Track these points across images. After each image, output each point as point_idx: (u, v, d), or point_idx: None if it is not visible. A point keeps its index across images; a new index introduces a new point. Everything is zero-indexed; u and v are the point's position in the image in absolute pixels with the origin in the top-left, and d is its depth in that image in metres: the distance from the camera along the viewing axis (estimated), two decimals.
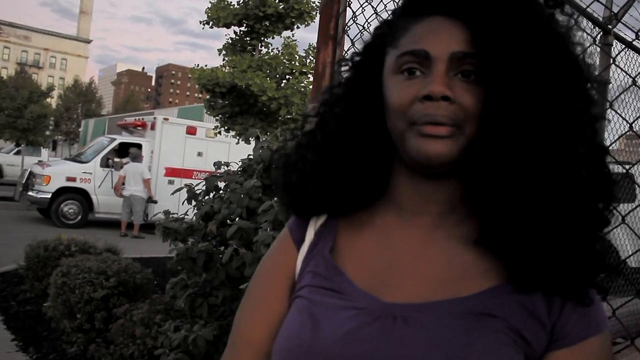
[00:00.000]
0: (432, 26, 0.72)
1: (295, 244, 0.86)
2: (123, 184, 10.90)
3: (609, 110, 1.39)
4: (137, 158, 11.17)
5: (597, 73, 0.74)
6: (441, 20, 0.71)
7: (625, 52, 3.13)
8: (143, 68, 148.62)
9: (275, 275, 0.86)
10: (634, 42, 2.74)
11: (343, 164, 0.80)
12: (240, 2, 12.09)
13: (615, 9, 3.01)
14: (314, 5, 11.75)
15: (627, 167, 1.46)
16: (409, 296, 0.72)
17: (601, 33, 2.86)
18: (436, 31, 0.71)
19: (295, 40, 12.21)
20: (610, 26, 2.85)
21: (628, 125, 1.22)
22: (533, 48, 0.67)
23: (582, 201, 0.67)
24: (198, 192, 3.80)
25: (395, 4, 1.89)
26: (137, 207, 10.87)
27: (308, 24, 12.05)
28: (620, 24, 2.90)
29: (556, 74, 0.67)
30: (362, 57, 0.83)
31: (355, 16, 1.91)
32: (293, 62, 12.00)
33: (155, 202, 10.66)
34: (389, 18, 0.81)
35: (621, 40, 2.87)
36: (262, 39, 12.27)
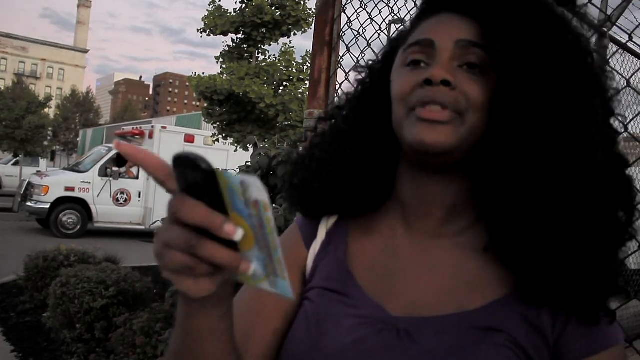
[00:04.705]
0: (439, 19, 0.73)
1: (304, 241, 0.84)
2: None
3: None
4: None
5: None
6: (450, 16, 0.72)
7: (621, 55, 3.14)
8: (141, 77, 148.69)
9: (288, 263, 0.82)
10: (629, 44, 2.74)
11: (349, 162, 0.80)
12: (238, 10, 12.14)
13: (610, 12, 3.02)
14: (311, 12, 11.79)
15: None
16: (412, 307, 0.71)
17: (596, 35, 2.87)
18: (443, 23, 0.72)
19: (293, 47, 12.24)
20: (605, 29, 2.86)
21: (623, 127, 1.21)
22: (543, 39, 0.66)
23: (601, 208, 0.64)
24: None
25: (390, 9, 1.90)
26: None
27: (305, 31, 12.08)
28: (615, 27, 2.91)
29: (568, 67, 0.66)
30: (378, 63, 0.84)
31: (351, 22, 1.91)
32: (290, 69, 12.04)
33: None
34: (406, 27, 0.82)
35: (617, 42, 2.88)
36: (260, 46, 12.30)
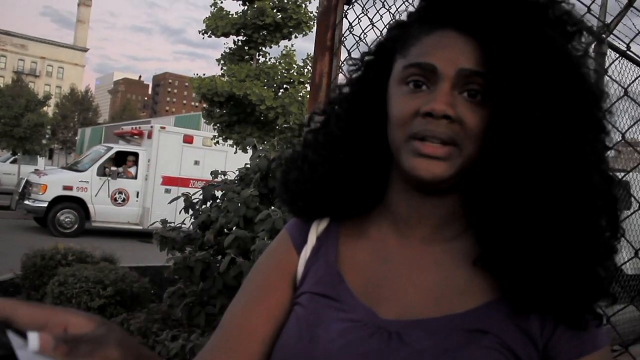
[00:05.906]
0: (442, 40, 0.70)
1: (295, 247, 0.84)
2: None
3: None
4: None
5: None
6: (453, 35, 0.70)
7: (620, 62, 3.16)
8: (140, 76, 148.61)
9: (278, 270, 0.83)
10: (628, 52, 2.76)
11: (341, 166, 0.79)
12: (239, 12, 12.17)
13: (610, 18, 3.04)
14: (312, 15, 11.81)
15: (622, 174, 1.47)
16: (403, 311, 0.72)
17: (595, 42, 2.89)
18: (446, 46, 0.69)
19: (294, 49, 12.27)
20: (604, 35, 2.87)
21: (620, 135, 1.24)
22: (546, 72, 0.66)
23: (588, 228, 0.66)
24: (195, 201, 3.81)
25: (391, 14, 1.91)
26: None
27: (306, 34, 12.11)
28: (614, 33, 2.93)
29: (568, 100, 0.66)
30: (373, 56, 0.82)
31: (352, 27, 1.93)
32: (291, 72, 12.06)
33: None
34: (403, 20, 0.80)
35: (615, 49, 2.89)
36: (260, 48, 12.33)
